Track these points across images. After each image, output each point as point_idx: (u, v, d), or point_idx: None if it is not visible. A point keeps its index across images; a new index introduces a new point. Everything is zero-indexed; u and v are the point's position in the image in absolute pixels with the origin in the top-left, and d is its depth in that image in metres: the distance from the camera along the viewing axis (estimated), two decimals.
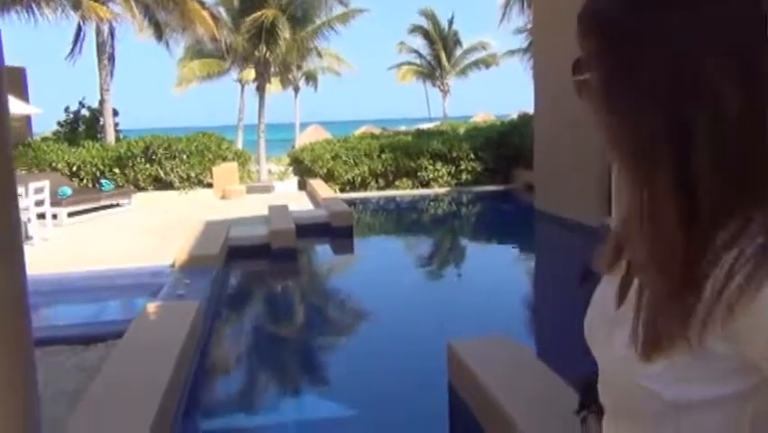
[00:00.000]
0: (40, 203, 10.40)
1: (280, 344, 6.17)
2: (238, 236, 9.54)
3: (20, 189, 10.20)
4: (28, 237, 10.07)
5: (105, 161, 15.24)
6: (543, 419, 3.37)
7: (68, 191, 12.53)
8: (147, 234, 10.38)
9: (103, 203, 13.15)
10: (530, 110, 17.95)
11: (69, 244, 9.89)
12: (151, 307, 5.59)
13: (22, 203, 10.09)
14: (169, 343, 4.72)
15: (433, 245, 11.41)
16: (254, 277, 9.06)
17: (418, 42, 38.10)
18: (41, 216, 10.46)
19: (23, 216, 10.06)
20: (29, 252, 9.18)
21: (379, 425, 4.26)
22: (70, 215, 12.16)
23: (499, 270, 9.23)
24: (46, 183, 10.47)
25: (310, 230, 10.66)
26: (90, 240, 10.22)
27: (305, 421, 4.44)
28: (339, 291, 7.96)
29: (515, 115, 28.29)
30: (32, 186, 10.01)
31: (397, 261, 9.80)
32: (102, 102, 17.82)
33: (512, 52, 35.10)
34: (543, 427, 3.29)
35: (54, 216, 11.61)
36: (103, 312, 6.13)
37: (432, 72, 38.44)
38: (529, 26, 28.79)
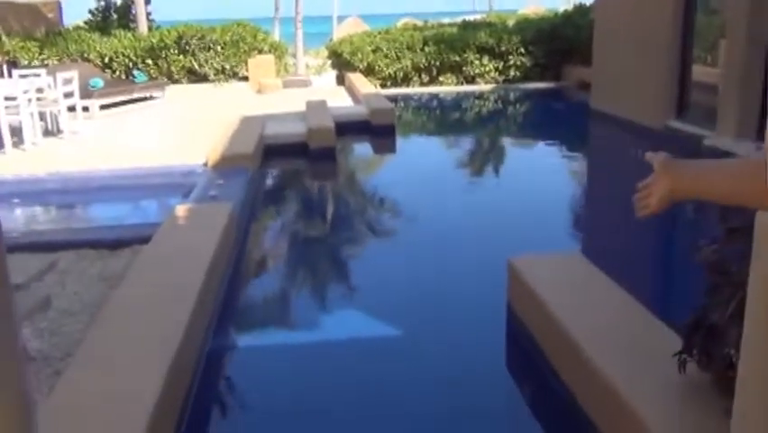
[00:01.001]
0: (69, 95, 9.94)
1: (319, 251, 5.75)
2: (274, 134, 9.02)
3: (49, 80, 9.73)
4: (59, 131, 9.72)
5: (137, 51, 14.65)
6: (616, 350, 2.89)
7: (100, 83, 12.05)
8: (180, 129, 9.93)
9: (136, 95, 12.68)
10: (588, 0, 16.66)
11: (100, 138, 9.50)
12: (182, 209, 5.18)
13: (51, 94, 9.66)
14: (200, 248, 4.33)
15: (480, 147, 10.75)
16: (291, 178, 8.58)
17: None
18: (72, 108, 10.02)
19: (53, 109, 9.66)
20: (58, 145, 8.87)
21: (424, 349, 3.85)
22: (102, 107, 11.74)
23: (553, 176, 8.58)
24: (74, 74, 9.97)
25: (350, 128, 10.09)
26: (121, 135, 9.81)
27: (346, 338, 4.05)
28: (380, 195, 7.46)
29: (566, 8, 26.58)
30: (60, 76, 9.52)
31: (441, 163, 9.22)
32: None
33: None
34: (614, 357, 2.81)
35: (85, 109, 11.19)
36: (131, 214, 5.76)
37: None
38: None
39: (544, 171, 8.58)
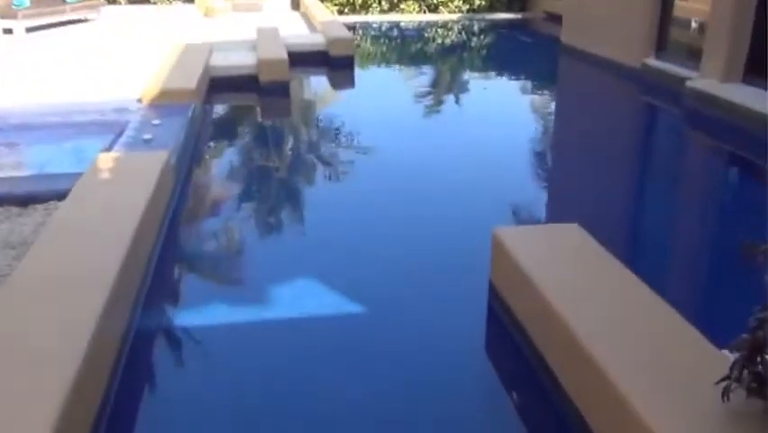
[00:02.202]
0: None
1: (272, 205, 5.05)
2: (221, 65, 8.13)
3: None
4: None
5: None
6: (615, 338, 2.38)
7: (26, 2, 10.81)
8: (114, 56, 8.91)
9: (67, 17, 11.48)
10: None
11: (22, 66, 8.44)
12: (106, 158, 4.41)
13: None
14: (126, 208, 3.62)
15: (445, 84, 10.02)
16: (239, 116, 7.72)
17: None
18: None
19: None
20: None
21: (389, 331, 3.29)
22: (29, 30, 10.56)
23: (521, 117, 7.98)
24: None
25: (305, 59, 9.24)
26: (47, 62, 8.75)
27: (301, 313, 3.45)
28: (339, 136, 6.76)
29: None
30: None
31: (404, 101, 8.48)
32: None
33: None
34: (615, 347, 2.31)
35: (8, 31, 10.04)
36: (48, 162, 4.94)
37: None
38: None
39: (511, 113, 7.97)
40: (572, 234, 3.31)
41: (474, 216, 4.56)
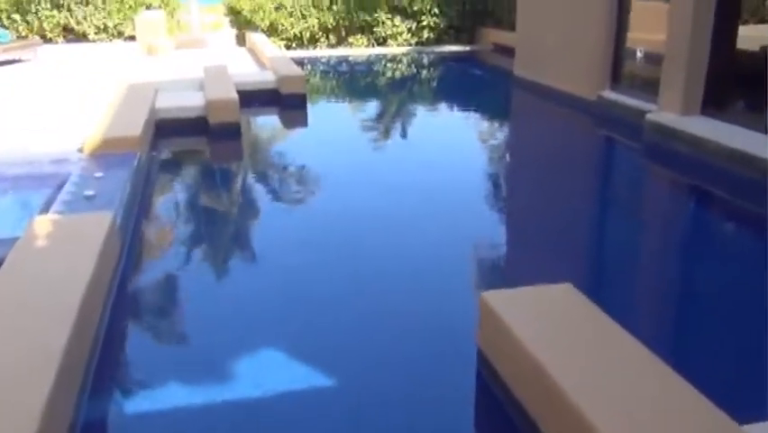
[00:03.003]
0: None
1: (230, 265, 4.67)
2: (167, 107, 7.73)
3: None
4: None
5: (1, 5, 12.64)
6: (614, 405, 2.12)
7: None
8: (52, 101, 8.41)
9: (0, 58, 10.88)
10: None
11: None
12: (44, 222, 3.97)
13: None
14: (69, 279, 3.22)
15: (398, 119, 9.83)
16: (189, 162, 7.30)
17: None
18: None
19: None
20: None
21: (362, 406, 2.96)
22: None
23: (480, 154, 7.83)
24: None
25: (255, 97, 8.92)
26: None
27: (271, 397, 3.09)
28: (296, 180, 6.44)
29: None
30: None
31: (358, 138, 8.23)
32: None
33: None
34: (614, 414, 2.07)
35: None
36: None
37: None
38: None
39: (467, 149, 7.79)
40: (566, 296, 3.06)
41: (443, 268, 4.30)
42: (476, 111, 9.90)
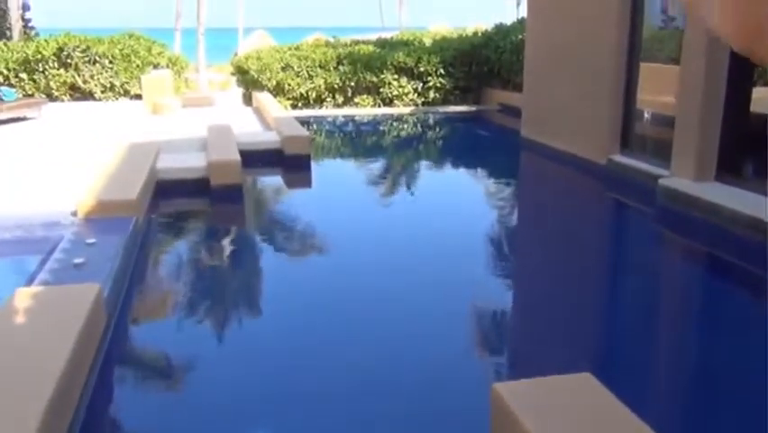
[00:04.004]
0: None
1: (228, 345, 4.40)
2: (168, 168, 7.58)
3: None
4: None
5: (9, 64, 12.71)
6: None
7: None
8: (52, 160, 8.29)
9: (4, 116, 10.85)
10: (490, 23, 16.14)
11: None
12: (26, 294, 3.73)
13: None
14: (48, 357, 2.97)
15: (405, 181, 9.67)
16: (188, 228, 7.09)
17: None
18: None
19: None
20: None
21: None
22: None
23: (488, 219, 7.61)
24: None
25: (259, 158, 8.78)
26: None
27: None
28: (300, 246, 6.21)
29: (472, 27, 26.12)
30: None
31: (364, 200, 8.05)
32: None
33: None
34: None
35: None
36: None
37: None
38: None
39: (475, 213, 7.57)
40: (585, 387, 2.78)
41: (448, 349, 4.02)
42: (483, 173, 9.75)
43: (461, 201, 8.02)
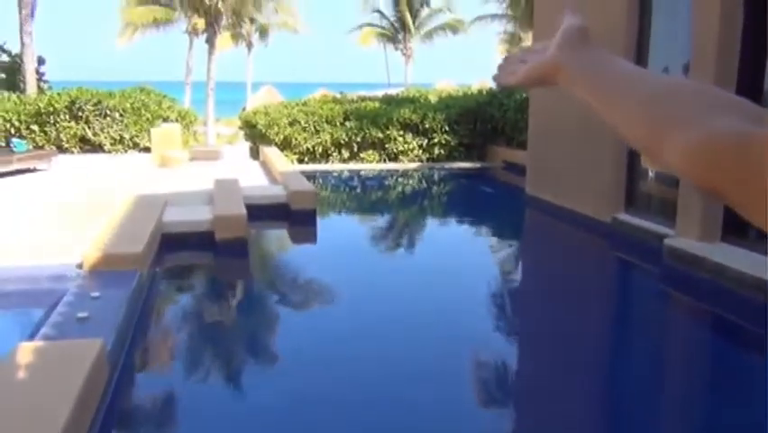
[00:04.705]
0: None
1: (232, 402, 4.34)
2: (174, 221, 7.62)
3: None
4: None
5: (21, 116, 12.92)
6: None
7: None
8: (60, 212, 8.34)
9: (14, 167, 10.98)
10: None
11: None
12: (28, 349, 3.71)
13: None
14: (47, 415, 2.93)
15: (410, 236, 9.69)
16: (192, 282, 7.08)
17: (380, 1, 35.97)
18: None
19: None
20: None
21: None
22: None
23: (493, 276, 7.59)
24: None
25: (265, 212, 8.82)
26: None
27: None
28: (305, 302, 6.19)
29: (477, 85, 26.55)
30: None
31: (369, 256, 8.06)
32: (22, 47, 15.35)
33: (481, 18, 33.42)
34: None
35: None
36: None
37: (395, 35, 36.40)
38: None
39: (480, 270, 7.56)
40: None
41: (451, 413, 3.95)
42: (487, 229, 9.77)
43: (465, 258, 8.00)
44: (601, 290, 6.91)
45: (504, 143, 14.75)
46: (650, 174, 8.29)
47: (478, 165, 14.77)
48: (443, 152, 15.01)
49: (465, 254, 8.25)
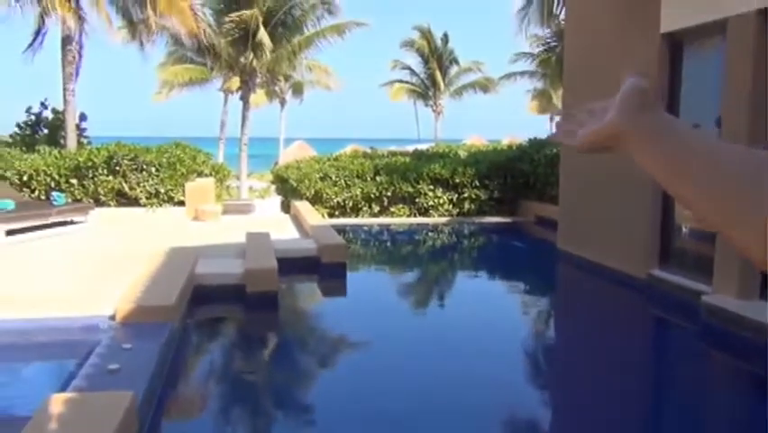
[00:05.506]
0: None
1: None
2: (206, 274, 7.68)
3: None
4: None
5: (61, 170, 13.27)
6: None
7: (10, 204, 10.62)
8: (97, 263, 8.48)
9: (53, 220, 11.22)
10: (524, 135, 16.49)
11: None
12: (59, 400, 3.72)
13: None
14: None
15: (440, 291, 9.62)
16: (223, 334, 7.09)
17: (411, 60, 36.70)
18: None
19: None
20: None
21: None
22: (9, 233, 10.22)
23: (527, 333, 7.47)
24: None
25: (295, 265, 8.84)
26: (23, 269, 8.29)
27: None
28: (335, 356, 6.14)
29: (506, 140, 26.70)
30: None
31: (399, 310, 8.00)
32: (65, 104, 15.89)
33: (510, 76, 33.85)
34: None
35: None
36: None
37: (425, 91, 36.96)
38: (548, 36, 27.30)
39: (513, 327, 7.44)
40: None
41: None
42: (519, 285, 9.65)
43: (497, 315, 7.90)
44: (639, 348, 6.74)
45: (535, 198, 14.70)
46: (684, 229, 8.17)
47: (508, 220, 14.70)
48: (473, 206, 15.00)
49: (496, 310, 8.14)
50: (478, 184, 15.02)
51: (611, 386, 5.32)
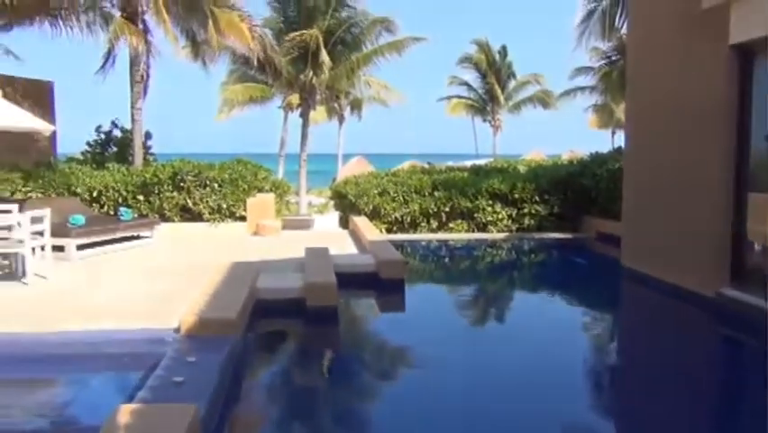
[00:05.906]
0: (40, 234, 8.82)
1: None
2: (267, 288, 7.79)
3: (19, 218, 8.59)
4: (24, 274, 8.49)
5: (128, 186, 13.72)
6: None
7: (81, 220, 11.00)
8: (162, 277, 8.70)
9: (121, 234, 11.58)
10: (584, 150, 16.13)
11: (66, 286, 8.24)
12: (126, 411, 3.81)
13: (16, 235, 8.52)
14: None
15: (499, 307, 9.48)
16: (283, 348, 7.16)
17: (468, 76, 36.64)
18: (43, 248, 8.89)
19: (19, 250, 8.46)
20: (14, 294, 7.58)
21: None
22: (81, 247, 10.60)
23: (591, 351, 7.28)
24: (46, 212, 8.88)
25: (354, 280, 8.88)
26: (91, 282, 8.58)
27: None
28: (393, 368, 6.12)
29: (566, 155, 26.29)
30: (29, 214, 8.42)
31: (455, 325, 7.92)
32: (132, 122, 16.44)
33: (569, 92, 33.42)
34: None
35: (60, 249, 10.06)
36: (67, 407, 4.39)
37: (483, 106, 36.79)
38: (611, 49, 26.90)
39: (577, 345, 7.26)
40: None
41: None
42: (582, 303, 9.43)
43: (558, 333, 7.73)
44: (710, 371, 6.47)
45: (597, 214, 14.39)
46: (756, 247, 7.86)
47: (569, 236, 14.43)
48: (533, 222, 14.79)
49: (558, 328, 7.97)
50: (538, 199, 14.83)
51: (681, 414, 5.12)
